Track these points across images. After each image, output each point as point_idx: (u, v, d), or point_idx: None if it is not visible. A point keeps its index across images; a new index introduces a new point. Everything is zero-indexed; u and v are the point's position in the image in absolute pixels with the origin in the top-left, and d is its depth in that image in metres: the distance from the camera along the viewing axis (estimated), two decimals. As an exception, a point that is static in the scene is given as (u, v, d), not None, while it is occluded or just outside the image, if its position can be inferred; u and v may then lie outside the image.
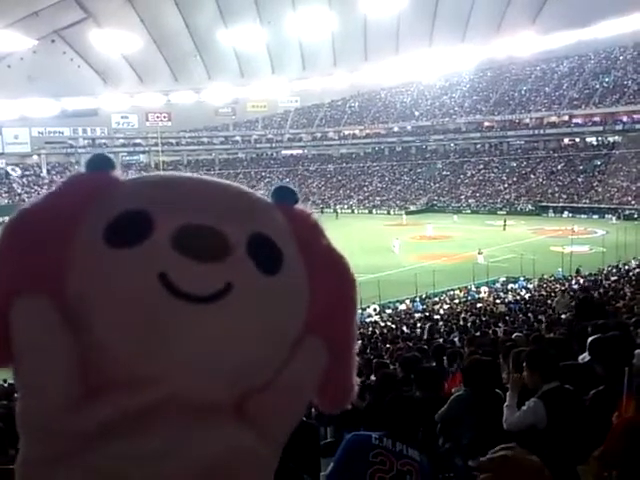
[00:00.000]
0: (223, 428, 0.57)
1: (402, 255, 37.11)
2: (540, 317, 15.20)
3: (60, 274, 0.56)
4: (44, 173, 76.13)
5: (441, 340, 12.33)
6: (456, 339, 12.86)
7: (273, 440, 0.60)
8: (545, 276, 28.98)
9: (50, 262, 0.57)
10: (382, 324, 20.60)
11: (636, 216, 50.47)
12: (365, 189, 74.30)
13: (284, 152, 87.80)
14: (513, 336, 8.06)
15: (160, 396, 0.55)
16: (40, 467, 0.53)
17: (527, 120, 72.92)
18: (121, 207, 0.58)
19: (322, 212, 60.97)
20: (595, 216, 54.07)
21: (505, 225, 48.47)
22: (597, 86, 71.81)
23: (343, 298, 0.67)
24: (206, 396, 0.56)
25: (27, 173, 75.26)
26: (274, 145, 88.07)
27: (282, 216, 0.65)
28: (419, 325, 18.62)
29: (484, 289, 27.83)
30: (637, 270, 25.92)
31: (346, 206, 69.30)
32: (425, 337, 14.28)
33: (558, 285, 25.55)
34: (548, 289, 24.71)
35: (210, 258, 0.55)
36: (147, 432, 0.54)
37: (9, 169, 72.93)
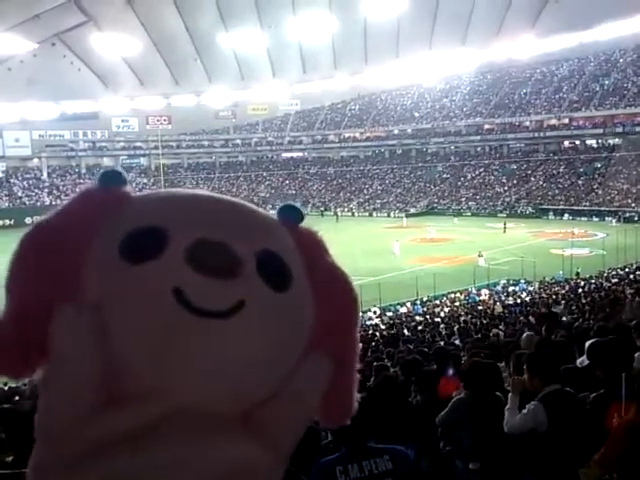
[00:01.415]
0: (228, 440, 0.58)
1: (403, 258, 37.07)
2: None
3: (76, 288, 0.58)
4: (44, 176, 76.28)
5: (442, 343, 12.31)
6: (457, 341, 12.85)
7: (278, 451, 0.61)
8: (546, 279, 28.99)
9: (66, 275, 0.58)
10: (383, 327, 20.58)
11: (636, 219, 50.45)
12: (365, 192, 74.30)
13: (284, 155, 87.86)
14: (524, 335, 7.95)
15: (168, 409, 0.56)
16: (54, 472, 0.54)
17: (527, 123, 72.95)
18: (135, 223, 0.59)
19: (322, 215, 61.07)
20: (595, 219, 54.06)
21: (505, 228, 48.39)
22: (597, 89, 71.84)
23: (346, 315, 0.68)
24: (214, 408, 0.57)
25: (28, 176, 75.35)
26: (274, 148, 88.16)
27: (288, 234, 0.66)
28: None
29: (485, 292, 27.82)
30: (638, 272, 25.88)
31: (346, 209, 69.31)
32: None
33: (558, 288, 25.56)
34: (549, 292, 24.71)
35: (223, 274, 0.56)
36: (156, 443, 0.55)
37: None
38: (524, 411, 3.83)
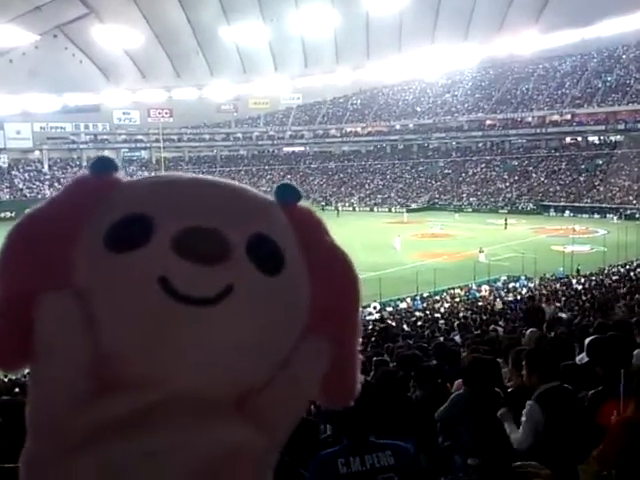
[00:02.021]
0: (223, 425, 0.57)
1: (403, 253, 37.11)
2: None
3: (66, 276, 0.57)
4: (46, 169, 76.22)
5: (442, 338, 12.33)
6: (457, 337, 12.86)
7: (274, 436, 0.61)
8: (547, 275, 28.99)
9: (55, 264, 0.58)
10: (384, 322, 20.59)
11: (637, 216, 50.35)
12: (366, 187, 74.26)
13: (286, 149, 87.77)
14: (527, 332, 7.93)
15: (162, 396, 0.55)
16: (49, 463, 0.54)
17: (529, 119, 72.84)
18: (122, 211, 0.58)
19: (323, 210, 60.99)
20: (596, 215, 54.00)
21: (506, 224, 48.45)
22: (599, 85, 71.68)
23: (345, 295, 0.67)
24: (207, 395, 0.57)
25: (29, 168, 75.31)
26: (276, 142, 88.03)
27: (284, 215, 0.65)
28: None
29: (485, 288, 27.83)
30: (638, 270, 25.89)
31: (347, 204, 69.24)
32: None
33: (559, 285, 25.57)
34: (549, 288, 24.71)
35: (210, 260, 0.55)
36: (151, 429, 0.55)
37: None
38: (523, 419, 3.80)
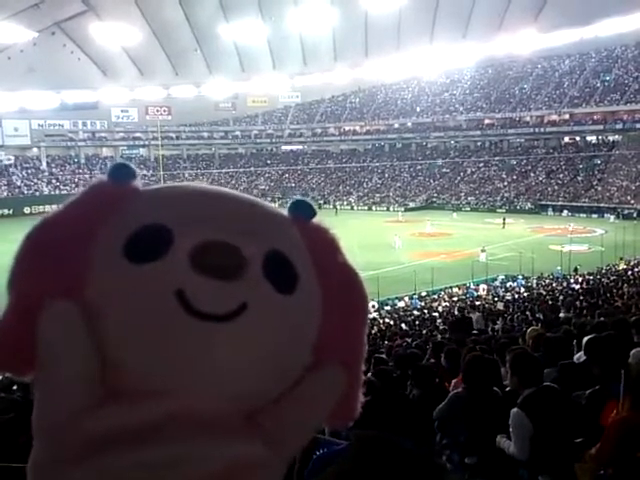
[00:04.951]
0: (229, 441, 0.57)
1: (401, 252, 37.14)
2: (538, 315, 15.23)
3: (79, 284, 0.57)
4: (44, 166, 76.05)
5: (439, 337, 12.35)
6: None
7: (281, 454, 0.61)
8: (544, 274, 29.01)
9: (69, 271, 0.58)
10: (381, 321, 20.63)
11: (635, 215, 50.52)
12: (365, 185, 74.27)
13: (284, 147, 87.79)
14: (528, 330, 7.93)
15: (169, 409, 0.55)
16: (52, 468, 0.54)
17: (527, 118, 72.88)
18: (141, 221, 0.58)
19: (320, 208, 61.03)
20: (594, 215, 54.11)
21: (504, 223, 48.51)
22: (598, 85, 71.77)
23: (355, 316, 0.67)
24: (213, 412, 0.57)
25: (27, 166, 75.16)
26: (274, 140, 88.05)
27: (298, 231, 0.65)
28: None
29: (483, 287, 27.87)
30: (636, 269, 25.93)
31: (345, 202, 69.33)
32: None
33: (555, 284, 25.60)
34: (547, 288, 24.74)
35: (227, 276, 0.55)
36: (155, 443, 0.54)
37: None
38: (511, 430, 3.78)
